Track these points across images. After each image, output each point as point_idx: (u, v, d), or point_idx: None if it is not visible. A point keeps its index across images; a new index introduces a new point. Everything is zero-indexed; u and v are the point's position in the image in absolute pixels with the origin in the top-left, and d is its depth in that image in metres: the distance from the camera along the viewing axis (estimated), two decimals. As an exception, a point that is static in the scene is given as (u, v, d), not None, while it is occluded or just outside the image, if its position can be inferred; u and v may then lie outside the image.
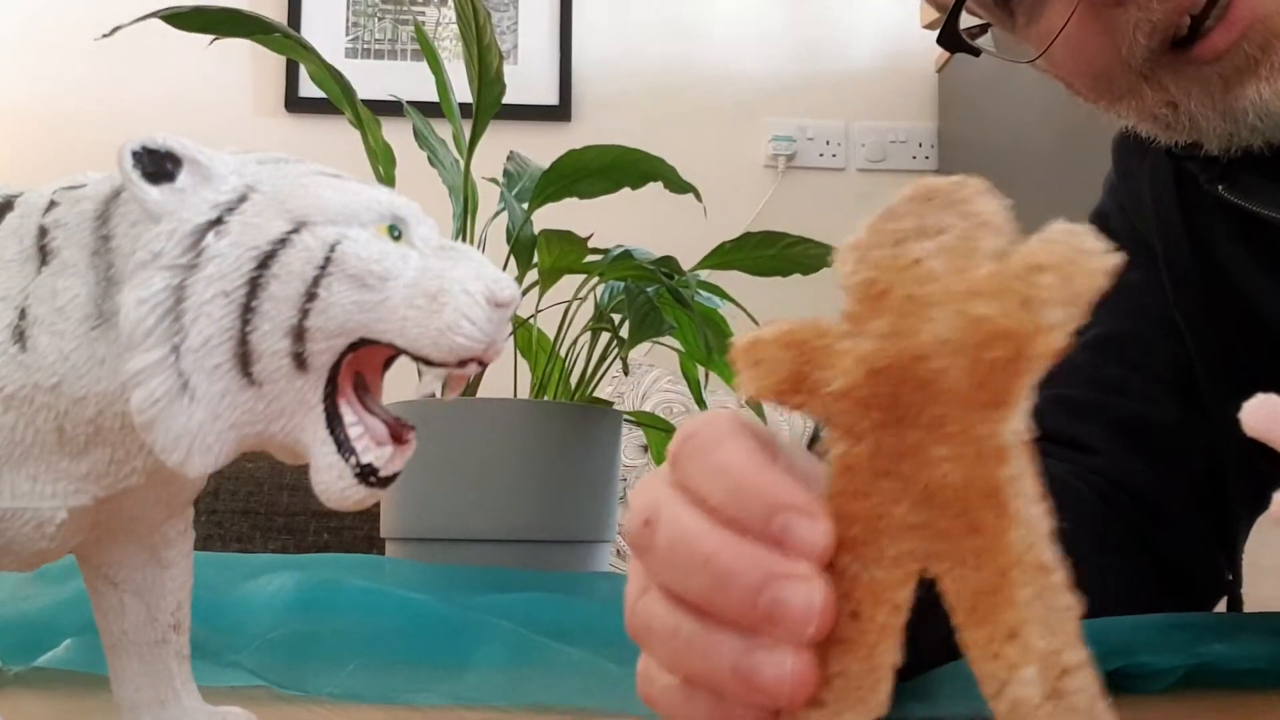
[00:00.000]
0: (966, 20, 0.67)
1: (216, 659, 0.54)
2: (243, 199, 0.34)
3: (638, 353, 1.56)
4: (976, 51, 0.67)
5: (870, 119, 2.54)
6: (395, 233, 0.35)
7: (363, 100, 0.89)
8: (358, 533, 1.67)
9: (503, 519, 0.80)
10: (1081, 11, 0.59)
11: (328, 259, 0.34)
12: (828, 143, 2.53)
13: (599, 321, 0.91)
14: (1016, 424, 0.31)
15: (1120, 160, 0.80)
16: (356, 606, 0.62)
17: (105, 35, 0.85)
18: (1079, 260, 0.30)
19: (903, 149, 2.54)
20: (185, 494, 0.39)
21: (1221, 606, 0.79)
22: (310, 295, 0.33)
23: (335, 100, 0.89)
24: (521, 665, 0.54)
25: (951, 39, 0.66)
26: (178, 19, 0.82)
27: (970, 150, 2.40)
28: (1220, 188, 0.63)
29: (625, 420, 0.91)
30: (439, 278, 0.35)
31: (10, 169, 2.26)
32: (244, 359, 0.33)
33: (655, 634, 0.36)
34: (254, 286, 0.33)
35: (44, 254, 0.35)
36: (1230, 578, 0.76)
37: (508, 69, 0.89)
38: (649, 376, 2.07)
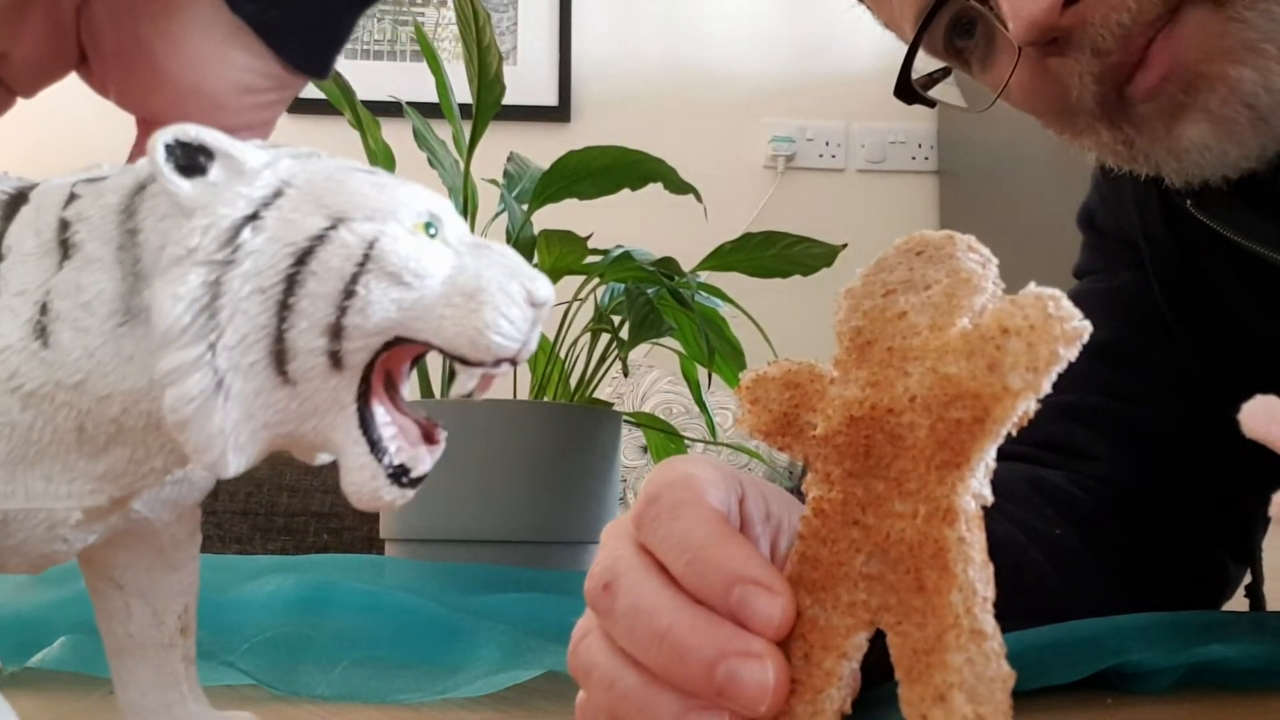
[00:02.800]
0: (934, 64, 0.67)
1: (211, 659, 0.54)
2: (278, 194, 0.33)
3: (638, 354, 1.56)
4: (931, 103, 0.68)
5: (870, 119, 2.54)
6: (431, 230, 0.35)
7: (362, 101, 0.89)
8: (357, 534, 1.67)
9: (502, 520, 0.80)
10: (1027, 61, 0.60)
11: (366, 256, 0.33)
12: (827, 143, 2.53)
13: (599, 322, 0.91)
14: (974, 487, 0.32)
15: None
16: (353, 607, 0.62)
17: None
18: (1045, 326, 0.31)
19: (903, 150, 2.54)
20: (195, 494, 0.39)
21: (1240, 606, 0.78)
22: (349, 293, 0.33)
23: (335, 101, 0.89)
24: (518, 666, 0.53)
25: (905, 91, 0.66)
26: (177, 19, 0.82)
27: (970, 151, 2.40)
28: (1189, 203, 0.63)
29: (625, 421, 0.91)
30: (476, 276, 0.34)
31: (8, 168, 2.25)
32: (279, 357, 0.33)
33: (594, 680, 0.37)
34: (291, 283, 0.33)
35: (65, 248, 0.34)
36: (1251, 579, 0.76)
37: (507, 70, 0.89)
38: (649, 378, 2.07)
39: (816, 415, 0.34)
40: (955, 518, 0.31)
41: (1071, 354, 0.31)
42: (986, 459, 0.32)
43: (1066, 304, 0.31)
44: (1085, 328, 0.31)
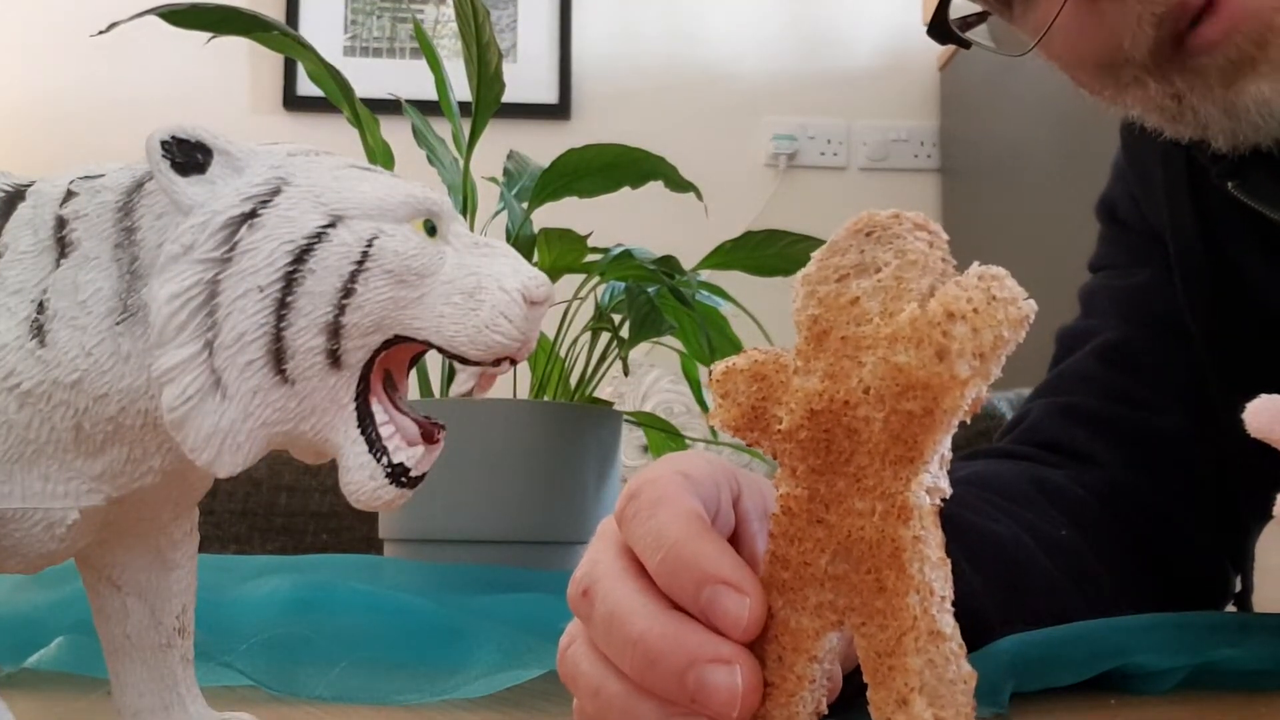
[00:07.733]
0: (966, 8, 0.65)
1: (209, 660, 0.54)
2: (276, 191, 0.33)
3: (638, 353, 1.55)
4: (967, 44, 0.66)
5: (872, 118, 2.53)
6: (430, 228, 0.35)
7: (361, 99, 0.89)
8: (356, 534, 1.67)
9: (502, 520, 0.79)
10: (1076, 3, 0.57)
11: (365, 254, 0.33)
12: (829, 141, 2.52)
13: (599, 321, 0.90)
14: (928, 480, 0.31)
15: (1130, 144, 0.76)
16: (352, 608, 0.62)
17: (101, 32, 0.85)
18: (989, 310, 0.30)
19: (904, 148, 2.54)
20: (194, 493, 0.38)
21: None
22: (347, 291, 0.33)
23: (333, 98, 0.88)
24: (518, 667, 0.53)
25: (941, 30, 0.64)
26: (175, 16, 0.82)
27: (972, 149, 2.40)
28: (1230, 185, 0.62)
29: (625, 420, 0.91)
30: (475, 274, 0.34)
31: (6, 167, 2.25)
32: (277, 356, 0.33)
33: (580, 687, 0.37)
34: (289, 282, 0.33)
35: (62, 246, 0.34)
36: (1241, 587, 0.76)
37: (507, 67, 0.89)
38: (649, 377, 2.06)
39: (781, 408, 0.33)
40: (909, 515, 0.30)
41: (1019, 336, 0.30)
42: (941, 450, 0.31)
43: (1010, 284, 0.30)
44: (1030, 308, 0.30)
